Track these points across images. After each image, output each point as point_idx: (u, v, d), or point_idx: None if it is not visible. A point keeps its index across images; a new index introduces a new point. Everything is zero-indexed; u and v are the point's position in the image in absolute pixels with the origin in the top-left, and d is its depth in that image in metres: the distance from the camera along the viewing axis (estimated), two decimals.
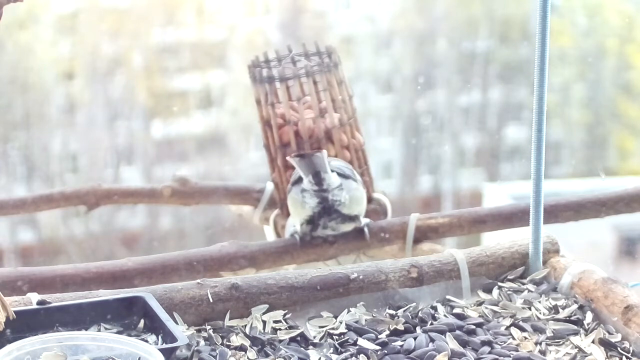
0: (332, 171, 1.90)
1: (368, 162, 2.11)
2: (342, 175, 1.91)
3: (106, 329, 1.41)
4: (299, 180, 1.91)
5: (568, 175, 5.08)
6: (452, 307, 1.53)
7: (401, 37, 5.19)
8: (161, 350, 1.28)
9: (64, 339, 1.29)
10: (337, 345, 1.42)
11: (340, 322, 1.47)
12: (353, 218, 1.94)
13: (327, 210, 1.90)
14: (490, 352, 1.40)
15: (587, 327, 1.46)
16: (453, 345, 1.41)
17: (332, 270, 1.55)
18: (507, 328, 1.47)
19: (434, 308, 1.52)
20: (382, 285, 1.55)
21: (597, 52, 5.23)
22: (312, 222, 1.92)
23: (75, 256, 4.66)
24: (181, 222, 4.81)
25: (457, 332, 1.44)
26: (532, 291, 1.57)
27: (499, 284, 1.59)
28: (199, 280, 1.50)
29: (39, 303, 1.41)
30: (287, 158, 1.94)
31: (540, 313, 1.51)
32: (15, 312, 1.35)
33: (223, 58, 5.04)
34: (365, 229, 1.96)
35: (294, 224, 1.96)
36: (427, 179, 5.25)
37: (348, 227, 1.95)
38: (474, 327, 1.46)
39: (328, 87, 2.06)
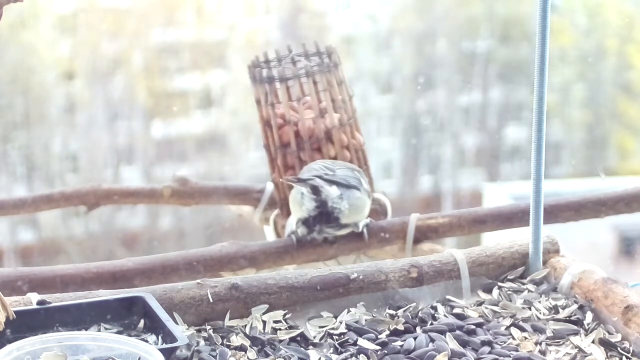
0: (334, 183, 1.90)
1: (368, 162, 2.10)
2: (345, 185, 1.91)
3: (106, 329, 1.41)
4: None
5: (568, 175, 5.09)
6: (452, 307, 1.53)
7: (401, 37, 5.19)
8: (161, 350, 1.28)
9: (64, 339, 1.29)
10: (337, 345, 1.42)
11: (340, 322, 1.47)
12: (351, 225, 1.94)
13: (324, 216, 1.91)
14: (490, 352, 1.40)
15: (587, 327, 1.47)
16: (453, 345, 1.41)
17: (332, 270, 1.55)
18: (507, 328, 1.47)
19: (434, 308, 1.52)
20: (382, 285, 1.55)
21: (597, 52, 5.23)
22: (308, 224, 1.92)
23: (75, 256, 4.66)
24: (181, 222, 4.82)
25: (457, 332, 1.44)
26: (532, 291, 1.57)
27: (499, 284, 1.59)
28: (199, 280, 1.50)
29: (39, 303, 1.41)
30: (283, 180, 1.94)
31: (540, 313, 1.51)
32: (15, 312, 1.35)
33: (223, 58, 5.04)
34: (364, 230, 1.96)
35: (291, 223, 1.96)
36: (427, 179, 5.25)
37: (345, 231, 1.95)
38: (474, 327, 1.46)
39: (328, 87, 2.06)
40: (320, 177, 1.89)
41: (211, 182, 2.29)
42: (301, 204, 1.91)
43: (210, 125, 5.08)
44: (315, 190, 1.89)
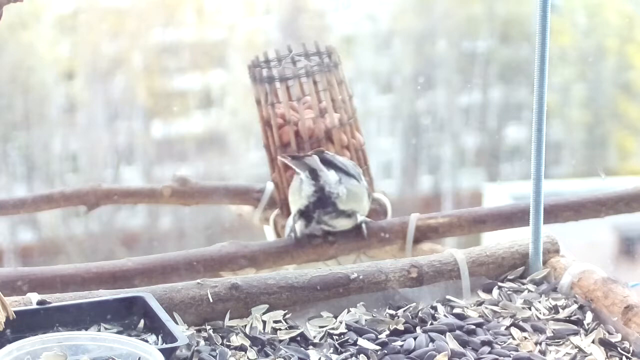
0: (332, 166, 1.91)
1: (368, 162, 2.11)
2: (344, 172, 1.92)
3: (106, 329, 1.41)
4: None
5: (568, 175, 5.08)
6: (452, 307, 1.53)
7: (401, 37, 5.19)
8: (161, 350, 1.28)
9: (64, 339, 1.29)
10: (337, 345, 1.42)
11: (340, 322, 1.48)
12: (349, 214, 1.94)
13: (322, 201, 1.90)
14: (490, 352, 1.40)
15: (587, 327, 1.47)
16: (453, 345, 1.41)
17: (332, 270, 1.55)
18: (507, 328, 1.47)
19: (434, 308, 1.52)
20: (382, 285, 1.55)
21: (597, 52, 5.23)
22: (307, 214, 1.92)
23: (75, 256, 4.66)
24: (181, 222, 4.81)
25: (457, 332, 1.44)
26: (532, 291, 1.57)
27: (499, 284, 1.59)
28: (199, 280, 1.50)
29: (39, 303, 1.41)
30: (279, 157, 1.95)
31: (540, 313, 1.51)
32: (15, 312, 1.35)
33: (223, 58, 5.04)
34: (363, 226, 1.96)
35: (290, 221, 1.97)
36: (427, 179, 5.25)
37: (344, 223, 1.95)
38: (474, 327, 1.46)
39: (328, 87, 2.06)
40: (317, 155, 1.89)
41: (211, 182, 2.29)
42: (300, 190, 1.91)
43: (210, 125, 5.08)
44: (314, 174, 1.89)
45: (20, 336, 1.31)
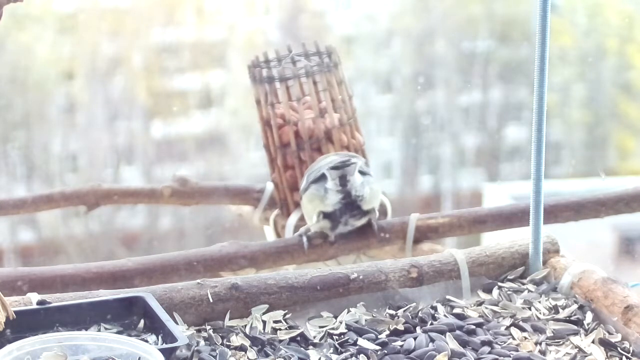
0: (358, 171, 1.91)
1: (368, 162, 2.11)
2: (361, 172, 1.92)
3: (106, 329, 1.41)
4: (320, 179, 1.91)
5: (568, 175, 5.08)
6: (452, 307, 1.53)
7: (401, 37, 5.18)
8: (161, 350, 1.28)
9: (64, 339, 1.29)
10: (337, 345, 1.42)
11: (340, 322, 1.48)
12: (370, 212, 1.94)
13: (349, 206, 1.90)
14: (490, 352, 1.40)
15: (587, 327, 1.47)
16: (453, 345, 1.41)
17: (332, 270, 1.55)
18: (507, 328, 1.47)
19: (434, 308, 1.52)
20: (382, 285, 1.55)
21: (597, 52, 5.23)
22: (333, 218, 1.92)
23: (75, 256, 4.65)
24: (181, 222, 4.81)
25: (457, 332, 1.44)
26: (532, 291, 1.57)
27: (499, 284, 1.59)
28: (199, 280, 1.50)
29: (39, 303, 1.41)
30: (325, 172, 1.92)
31: (540, 313, 1.51)
32: (15, 312, 1.35)
33: (223, 58, 5.04)
34: (374, 222, 1.96)
35: (291, 224, 1.96)
36: (427, 179, 5.25)
37: (363, 220, 1.95)
38: (474, 327, 1.46)
39: (328, 87, 2.06)
40: (352, 164, 1.89)
41: (211, 182, 2.29)
42: (323, 199, 1.90)
43: (210, 125, 5.08)
44: (344, 180, 1.89)
45: (20, 336, 1.31)
